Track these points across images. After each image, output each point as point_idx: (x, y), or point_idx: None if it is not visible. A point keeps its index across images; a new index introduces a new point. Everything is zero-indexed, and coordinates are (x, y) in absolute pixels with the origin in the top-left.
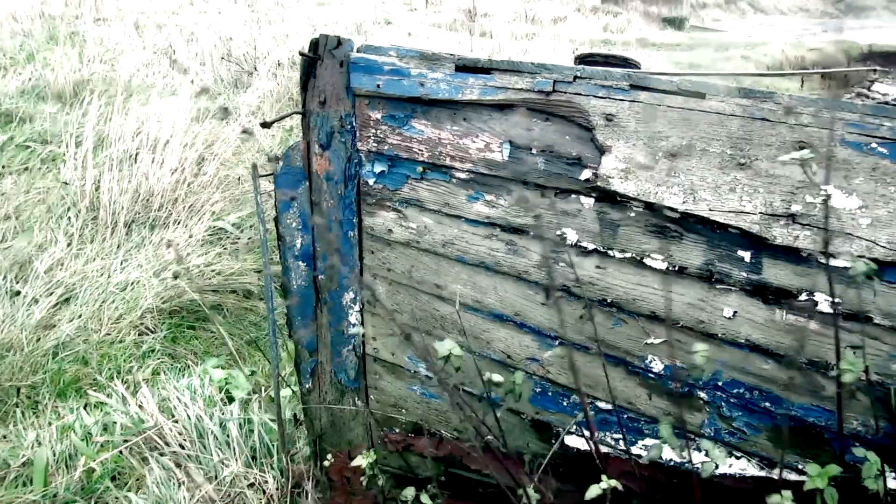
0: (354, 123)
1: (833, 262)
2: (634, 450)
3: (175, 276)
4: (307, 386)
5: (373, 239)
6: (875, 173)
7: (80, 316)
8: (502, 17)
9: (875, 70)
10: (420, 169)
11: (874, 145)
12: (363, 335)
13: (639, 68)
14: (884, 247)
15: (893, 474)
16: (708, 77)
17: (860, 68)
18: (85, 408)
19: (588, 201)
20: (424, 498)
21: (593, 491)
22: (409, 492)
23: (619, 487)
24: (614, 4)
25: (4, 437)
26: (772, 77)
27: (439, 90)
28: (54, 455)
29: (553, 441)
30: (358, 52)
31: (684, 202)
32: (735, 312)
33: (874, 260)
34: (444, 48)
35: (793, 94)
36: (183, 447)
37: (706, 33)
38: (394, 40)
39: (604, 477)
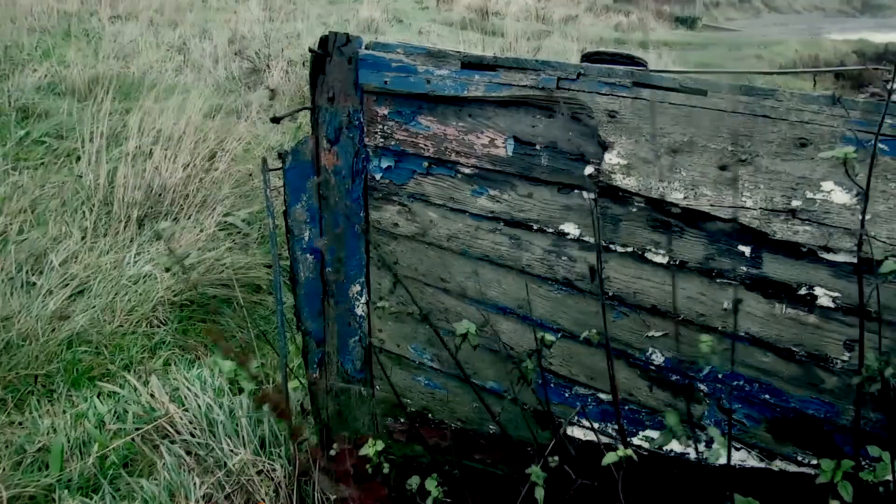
0: (362, 119)
1: (833, 258)
2: (635, 441)
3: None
4: (314, 376)
5: (379, 233)
6: (876, 169)
7: (93, 307)
8: (513, 16)
9: (888, 69)
10: (426, 164)
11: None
12: (369, 326)
13: (645, 67)
14: (883, 242)
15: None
16: (719, 75)
17: (874, 66)
18: (98, 396)
19: (590, 196)
20: (430, 485)
21: (610, 458)
22: (415, 480)
23: (635, 458)
24: (626, 3)
25: (21, 423)
26: (784, 76)
27: (445, 87)
28: (69, 441)
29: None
30: (366, 49)
31: (685, 198)
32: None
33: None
34: (454, 47)
35: (797, 91)
36: (193, 435)
37: (719, 32)
38: (403, 38)
39: (620, 447)
